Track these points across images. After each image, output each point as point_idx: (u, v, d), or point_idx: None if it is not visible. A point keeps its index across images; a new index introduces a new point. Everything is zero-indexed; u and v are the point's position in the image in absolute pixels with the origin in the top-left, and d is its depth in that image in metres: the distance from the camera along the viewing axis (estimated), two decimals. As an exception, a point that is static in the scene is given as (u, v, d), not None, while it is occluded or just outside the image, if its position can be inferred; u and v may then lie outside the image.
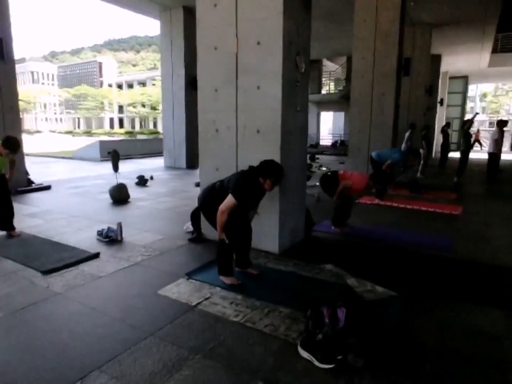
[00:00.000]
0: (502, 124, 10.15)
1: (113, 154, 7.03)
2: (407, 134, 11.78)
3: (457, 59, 18.78)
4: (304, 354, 2.22)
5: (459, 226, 5.31)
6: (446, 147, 13.05)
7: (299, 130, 4.14)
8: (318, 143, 20.13)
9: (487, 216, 5.98)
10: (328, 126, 27.10)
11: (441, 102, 18.32)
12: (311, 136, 21.41)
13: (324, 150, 17.96)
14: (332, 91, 21.57)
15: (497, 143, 9.71)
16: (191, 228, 4.66)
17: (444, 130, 13.16)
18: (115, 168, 6.93)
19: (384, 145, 8.46)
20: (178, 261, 3.83)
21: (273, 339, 2.42)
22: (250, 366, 2.16)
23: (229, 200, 3.01)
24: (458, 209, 6.23)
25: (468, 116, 21.11)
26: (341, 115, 22.27)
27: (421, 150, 10.36)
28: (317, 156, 14.36)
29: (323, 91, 22.00)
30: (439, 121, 19.45)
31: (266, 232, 4.01)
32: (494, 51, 19.08)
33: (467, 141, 8.91)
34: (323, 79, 22.19)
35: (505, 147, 24.36)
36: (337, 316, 2.31)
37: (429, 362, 2.19)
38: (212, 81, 4.13)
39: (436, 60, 16.57)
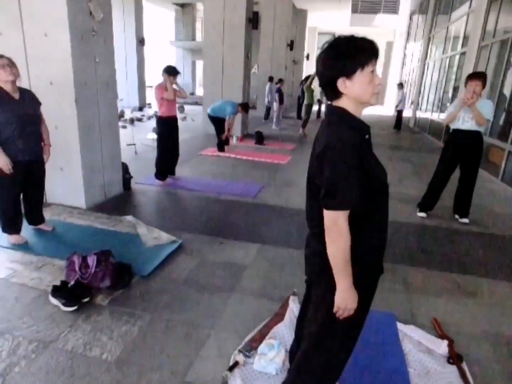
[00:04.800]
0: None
1: None
2: (267, 87, 12.38)
3: (323, 16, 19.86)
4: (53, 301, 2.39)
5: (277, 174, 6.00)
6: (302, 100, 14.12)
7: (103, 83, 4.03)
8: (193, 93, 19.77)
9: (307, 164, 6.84)
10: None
11: (308, 57, 19.43)
12: (186, 85, 20.90)
13: (197, 101, 17.60)
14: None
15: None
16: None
17: (302, 84, 14.14)
18: None
19: (236, 96, 8.74)
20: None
21: (31, 291, 2.53)
22: (-7, 319, 2.25)
23: None
24: (286, 159, 6.98)
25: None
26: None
27: (274, 103, 11.06)
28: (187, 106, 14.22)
29: (198, 38, 21.28)
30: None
31: (71, 187, 3.98)
32: (354, 11, 20.63)
33: (310, 96, 9.78)
34: (197, 25, 21.38)
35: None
36: (87, 263, 2.52)
37: (169, 293, 2.58)
38: (-5, 23, 3.70)
39: (302, 15, 17.28)
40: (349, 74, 1.22)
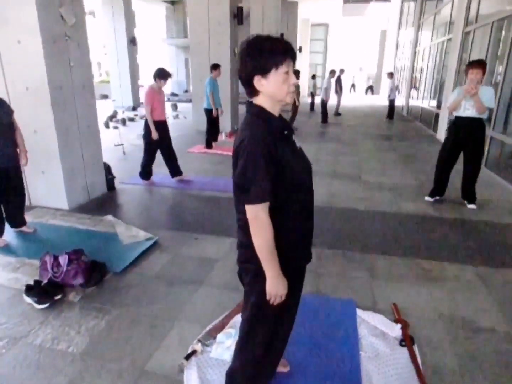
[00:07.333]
0: (332, 73, 11.38)
1: None
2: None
3: (315, 7, 19.77)
4: (27, 299, 2.50)
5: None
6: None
7: (79, 86, 4.11)
8: (187, 90, 19.77)
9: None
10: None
11: (300, 49, 19.36)
12: (179, 83, 20.94)
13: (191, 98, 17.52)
14: (202, 35, 20.94)
15: (327, 91, 10.92)
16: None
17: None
18: None
19: (223, 93, 8.78)
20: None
21: (7, 291, 2.65)
22: (-30, 317, 2.37)
23: None
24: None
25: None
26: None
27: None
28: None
29: (191, 35, 21.24)
30: (302, 68, 20.67)
31: (54, 190, 4.08)
32: (346, 1, 20.50)
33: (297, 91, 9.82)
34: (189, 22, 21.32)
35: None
36: (59, 262, 2.62)
37: (139, 288, 2.68)
38: (-30, 32, 3.78)
39: (292, 7, 17.21)
40: (264, 72, 1.28)
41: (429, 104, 10.52)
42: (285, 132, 1.38)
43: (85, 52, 4.18)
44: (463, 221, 4.02)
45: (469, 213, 4.22)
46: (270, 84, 1.29)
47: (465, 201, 4.44)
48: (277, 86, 1.30)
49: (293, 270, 1.45)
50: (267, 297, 1.38)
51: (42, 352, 2.08)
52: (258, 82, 1.30)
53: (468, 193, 4.40)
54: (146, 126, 4.94)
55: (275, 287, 1.36)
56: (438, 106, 9.32)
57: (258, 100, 1.35)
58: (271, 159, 1.26)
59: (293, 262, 1.45)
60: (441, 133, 8.55)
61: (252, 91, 1.34)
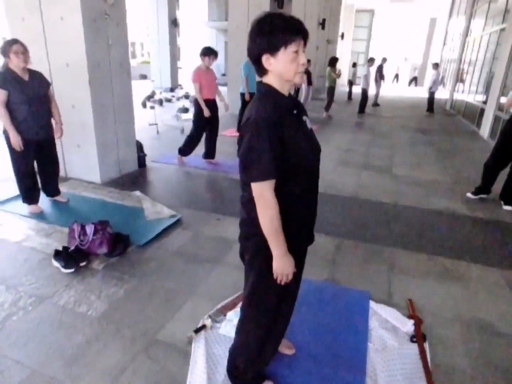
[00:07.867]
0: (371, 62, 10.99)
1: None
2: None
3: (362, -9, 19.01)
4: (55, 263, 2.67)
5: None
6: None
7: (116, 64, 4.23)
8: (225, 74, 19.77)
9: (324, 144, 6.80)
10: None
11: (342, 36, 18.77)
12: (218, 66, 20.94)
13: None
14: (243, 19, 20.74)
15: (366, 78, 10.58)
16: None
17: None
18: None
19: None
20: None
21: (39, 254, 2.83)
22: (4, 277, 2.56)
23: None
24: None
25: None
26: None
27: (302, 84, 10.92)
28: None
29: (231, 18, 21.11)
30: (343, 55, 20.09)
31: (88, 163, 4.27)
32: (395, -15, 19.51)
33: (331, 78, 9.57)
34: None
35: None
36: (86, 231, 2.76)
37: (159, 262, 2.78)
38: (17, 9, 3.96)
39: (337, -9, 16.65)
40: (272, 51, 1.25)
41: (475, 98, 9.95)
42: (294, 111, 1.36)
43: (123, 31, 4.28)
44: (497, 222, 3.83)
45: (504, 215, 4.01)
46: (279, 63, 1.26)
47: (501, 202, 4.21)
48: (285, 66, 1.27)
49: (295, 252, 1.44)
50: (274, 276, 1.39)
51: (64, 312, 2.22)
52: (267, 60, 1.27)
53: (509, 194, 4.17)
54: (196, 104, 4.95)
55: (282, 266, 1.36)
56: (485, 101, 8.80)
57: (267, 79, 1.32)
58: (276, 137, 1.24)
59: (295, 243, 1.43)
60: (485, 130, 8.10)
61: (261, 70, 1.32)
